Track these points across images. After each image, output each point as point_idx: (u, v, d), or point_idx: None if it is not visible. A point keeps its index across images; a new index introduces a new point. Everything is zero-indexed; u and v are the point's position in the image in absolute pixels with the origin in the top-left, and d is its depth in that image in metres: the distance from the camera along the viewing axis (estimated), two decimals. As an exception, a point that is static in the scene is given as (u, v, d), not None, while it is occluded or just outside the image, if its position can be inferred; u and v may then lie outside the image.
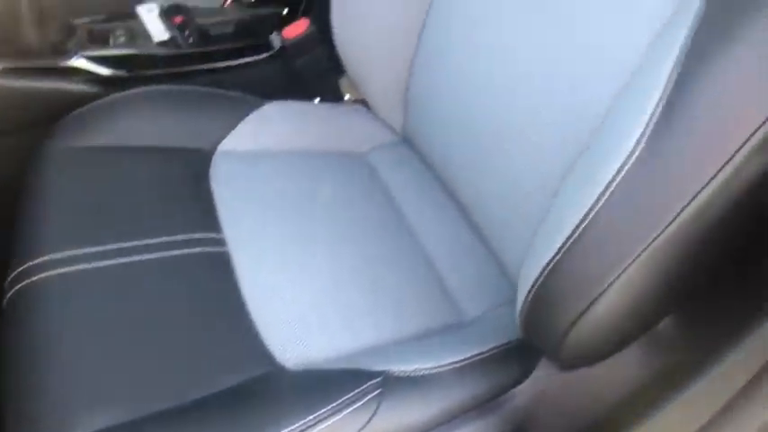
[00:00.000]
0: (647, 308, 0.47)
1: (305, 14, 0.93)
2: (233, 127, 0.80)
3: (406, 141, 0.87)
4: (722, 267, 0.53)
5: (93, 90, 0.82)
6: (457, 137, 0.73)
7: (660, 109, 0.40)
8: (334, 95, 0.96)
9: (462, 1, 0.70)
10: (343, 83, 0.96)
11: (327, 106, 0.92)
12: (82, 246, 0.62)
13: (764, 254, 0.58)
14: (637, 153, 0.40)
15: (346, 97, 0.97)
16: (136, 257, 0.63)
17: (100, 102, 0.77)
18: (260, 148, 0.80)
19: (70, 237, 0.63)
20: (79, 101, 0.78)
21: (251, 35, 0.94)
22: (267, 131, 0.82)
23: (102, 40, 0.86)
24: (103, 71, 0.83)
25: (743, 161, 0.38)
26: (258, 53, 0.93)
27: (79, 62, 0.81)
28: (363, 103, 0.91)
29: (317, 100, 0.95)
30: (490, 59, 0.65)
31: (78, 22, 0.87)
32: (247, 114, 0.82)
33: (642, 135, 0.40)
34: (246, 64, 0.92)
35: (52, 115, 0.76)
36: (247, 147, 0.80)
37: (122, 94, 0.78)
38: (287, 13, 0.96)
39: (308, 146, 0.83)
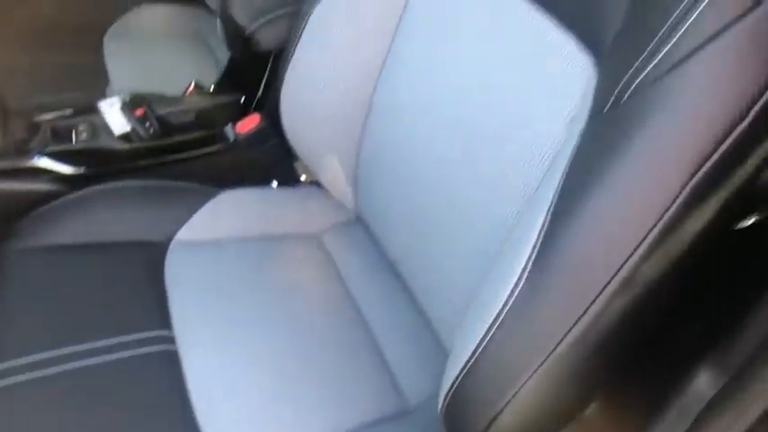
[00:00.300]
0: (558, 408, 0.50)
1: (258, 108, 0.97)
2: (188, 218, 0.83)
3: (359, 220, 0.91)
4: (634, 355, 0.56)
5: (55, 188, 0.85)
6: (399, 216, 0.76)
7: (544, 231, 0.43)
8: (290, 178, 1.00)
9: (407, 85, 0.73)
10: (299, 165, 1.00)
11: (282, 190, 0.96)
12: (35, 352, 0.64)
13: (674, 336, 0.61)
14: (523, 280, 0.43)
15: (302, 178, 1.01)
16: (87, 361, 0.65)
17: (59, 201, 0.81)
18: (215, 237, 0.84)
19: (24, 343, 0.65)
20: (41, 200, 0.81)
21: (210, 125, 0.99)
22: (222, 220, 0.85)
23: (66, 137, 0.91)
24: (65, 169, 0.86)
25: (616, 290, 0.41)
26: (215, 143, 0.97)
27: (41, 162, 0.85)
28: (319, 184, 0.95)
29: (274, 183, 0.99)
30: (429, 142, 0.69)
31: (42, 119, 0.92)
32: (203, 205, 0.85)
33: (528, 259, 0.43)
34: (204, 154, 0.96)
35: (15, 215, 0.80)
36: (202, 237, 0.83)
37: (80, 192, 0.82)
38: (244, 101, 1.01)
39: (262, 232, 0.86)
